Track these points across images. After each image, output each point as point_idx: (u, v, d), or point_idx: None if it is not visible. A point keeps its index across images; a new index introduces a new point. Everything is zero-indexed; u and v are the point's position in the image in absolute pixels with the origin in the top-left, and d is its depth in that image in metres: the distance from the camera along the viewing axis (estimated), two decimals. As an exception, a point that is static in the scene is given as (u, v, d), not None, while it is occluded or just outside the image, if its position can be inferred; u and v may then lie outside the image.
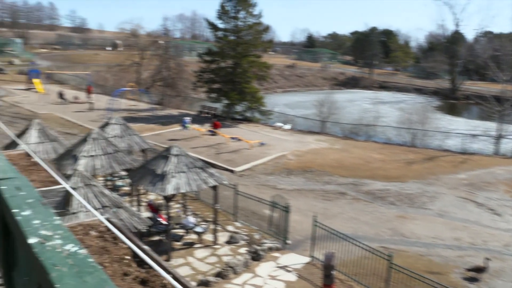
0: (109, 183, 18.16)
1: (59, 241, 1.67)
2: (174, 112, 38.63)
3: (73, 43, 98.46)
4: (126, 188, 18.04)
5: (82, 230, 2.40)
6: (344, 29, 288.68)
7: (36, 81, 44.73)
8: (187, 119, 29.67)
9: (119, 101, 36.15)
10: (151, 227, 12.96)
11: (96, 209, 9.89)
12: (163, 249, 12.74)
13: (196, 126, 30.32)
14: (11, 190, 2.31)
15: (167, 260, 12.33)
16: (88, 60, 71.05)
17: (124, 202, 11.35)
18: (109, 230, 2.36)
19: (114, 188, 17.67)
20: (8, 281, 3.03)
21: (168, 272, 1.84)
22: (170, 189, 11.95)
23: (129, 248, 2.15)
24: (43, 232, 1.76)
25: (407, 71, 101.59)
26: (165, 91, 43.64)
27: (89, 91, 39.95)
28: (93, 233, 2.35)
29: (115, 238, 2.25)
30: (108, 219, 2.50)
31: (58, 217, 1.91)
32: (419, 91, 76.28)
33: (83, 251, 1.58)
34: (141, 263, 1.97)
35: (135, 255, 2.06)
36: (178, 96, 43.24)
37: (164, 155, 13.01)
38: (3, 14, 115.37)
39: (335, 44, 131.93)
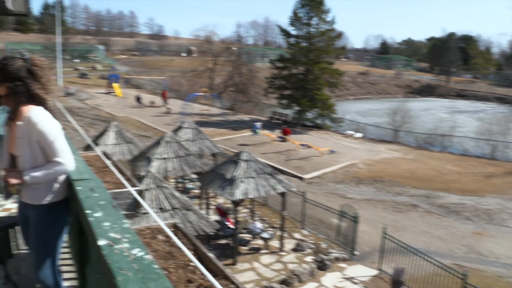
0: (179, 185, 18.61)
1: (126, 245, 1.70)
2: (245, 117, 39.07)
3: (151, 49, 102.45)
4: (196, 191, 18.40)
5: (150, 233, 2.44)
6: (420, 35, 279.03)
7: (115, 85, 46.92)
8: (258, 124, 29.86)
9: (192, 106, 37.11)
10: (219, 230, 13.12)
11: (166, 210, 10.19)
12: (229, 253, 12.86)
13: (266, 132, 30.48)
14: (86, 191, 2.39)
15: (233, 264, 12.42)
16: (164, 66, 73.65)
17: (193, 204, 11.59)
18: (176, 234, 2.38)
19: (185, 191, 18.10)
20: (81, 276, 3.16)
21: (232, 282, 1.81)
22: (238, 194, 12.04)
23: (195, 254, 2.15)
24: (112, 234, 1.80)
25: (487, 79, 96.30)
26: (236, 97, 44.33)
27: (164, 96, 41.38)
28: (160, 237, 2.38)
29: (182, 243, 2.26)
30: (175, 224, 2.53)
31: (126, 220, 1.95)
32: (501, 100, 72.02)
33: (149, 257, 1.59)
34: (206, 271, 1.96)
35: (201, 262, 2.05)
36: (249, 102, 43.75)
37: (234, 160, 13.16)
38: (89, 23, 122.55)
39: (410, 51, 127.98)
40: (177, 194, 11.09)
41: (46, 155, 2.64)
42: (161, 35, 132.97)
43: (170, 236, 2.37)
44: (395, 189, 21.11)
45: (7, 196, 2.82)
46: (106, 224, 1.91)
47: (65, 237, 2.98)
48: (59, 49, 55.43)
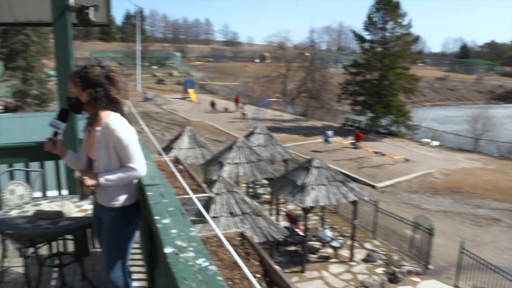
0: (250, 190, 18.76)
1: (192, 254, 1.69)
2: (318, 123, 38.76)
3: (225, 55, 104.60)
4: (267, 196, 18.47)
5: (217, 242, 2.43)
6: (505, 37, 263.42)
7: (190, 91, 48.30)
8: (330, 133, 29.38)
9: (265, 111, 37.39)
10: (288, 237, 13.06)
11: (236, 215, 10.28)
12: (298, 260, 12.76)
13: (338, 138, 30.03)
14: (156, 197, 2.43)
15: (301, 271, 12.31)
16: (237, 72, 74.88)
17: (263, 210, 11.61)
18: (243, 244, 2.36)
19: (255, 196, 18.21)
20: (151, 278, 3.23)
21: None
22: (309, 201, 11.93)
23: (261, 265, 2.11)
24: (179, 242, 1.80)
25: None
26: (309, 103, 44.11)
27: (237, 101, 42.03)
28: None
29: (248, 253, 2.24)
30: (242, 233, 2.51)
31: (193, 228, 1.95)
32: None
33: (213, 268, 1.57)
34: (271, 283, 1.92)
35: (266, 274, 2.01)
36: (322, 108, 43.37)
37: (305, 166, 13.06)
38: (167, 31, 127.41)
39: (493, 54, 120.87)
40: (247, 199, 11.17)
41: (121, 160, 2.73)
42: (235, 42, 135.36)
43: (237, 246, 2.35)
44: (475, 201, 19.98)
45: (82, 197, 2.95)
46: (173, 231, 1.92)
47: (136, 239, 3.06)
48: (139, 56, 57.99)
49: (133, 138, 2.74)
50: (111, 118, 2.71)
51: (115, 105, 2.76)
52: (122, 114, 2.80)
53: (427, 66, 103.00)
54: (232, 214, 10.52)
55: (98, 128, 2.71)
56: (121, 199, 2.80)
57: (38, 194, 4.58)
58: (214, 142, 27.67)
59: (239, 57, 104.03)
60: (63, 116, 2.87)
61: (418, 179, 22.89)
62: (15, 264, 4.60)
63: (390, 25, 35.32)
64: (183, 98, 48.98)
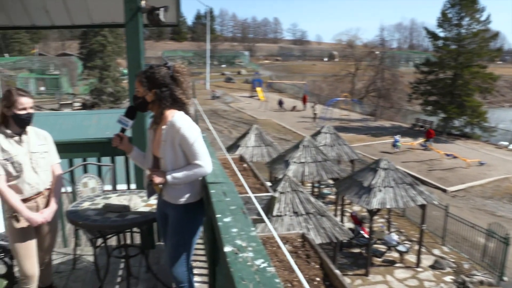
0: (315, 190, 18.61)
1: (251, 254, 1.68)
2: (386, 124, 37.78)
3: (293, 54, 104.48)
4: (332, 197, 18.25)
5: (277, 242, 2.41)
6: None
7: (258, 89, 48.66)
8: (398, 137, 28.24)
9: (332, 111, 36.96)
10: (352, 239, 12.83)
11: (300, 215, 10.23)
12: (362, 263, 12.50)
13: (408, 139, 29.07)
14: (219, 195, 2.45)
15: (365, 274, 12.06)
16: (305, 71, 74.52)
17: (328, 210, 11.48)
18: (304, 245, 2.33)
19: (320, 196, 18.05)
20: (212, 274, 3.28)
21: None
22: (375, 203, 11.66)
23: (321, 268, 2.07)
24: (239, 242, 1.80)
25: None
26: (378, 102, 43.02)
27: (304, 100, 41.84)
28: (287, 247, 2.34)
29: (308, 256, 2.20)
30: (304, 234, 2.48)
31: (254, 228, 1.94)
32: None
33: (272, 269, 1.55)
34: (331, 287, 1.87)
35: (326, 277, 1.97)
36: (391, 108, 42.18)
37: (373, 167, 12.76)
38: (236, 30, 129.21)
39: None
40: (312, 199, 11.08)
41: (187, 158, 2.78)
42: (304, 40, 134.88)
43: (297, 247, 2.32)
44: (557, 210, 18.66)
45: (150, 194, 3.03)
46: (234, 230, 1.92)
47: (199, 235, 3.10)
48: (208, 55, 59.13)
49: (198, 135, 2.78)
50: (176, 116, 2.77)
51: (179, 105, 2.81)
52: (187, 113, 2.85)
53: (507, 64, 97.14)
54: (296, 213, 10.48)
55: (163, 127, 2.77)
56: (186, 196, 2.85)
57: (108, 187, 4.78)
58: (280, 140, 27.71)
59: (307, 55, 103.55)
60: (130, 113, 2.95)
61: (493, 184, 21.69)
62: (86, 252, 4.83)
63: (466, 21, 33.70)
64: (251, 97, 49.45)
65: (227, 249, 1.73)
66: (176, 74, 2.78)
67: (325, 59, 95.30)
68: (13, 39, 66.22)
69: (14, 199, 2.99)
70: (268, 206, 3.14)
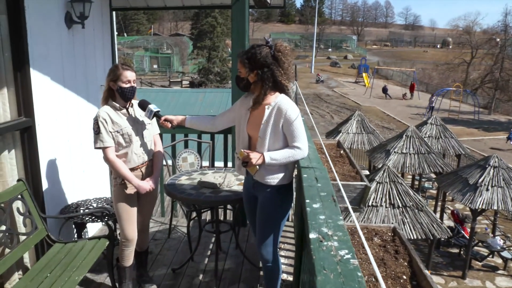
0: (415, 182, 17.84)
1: (336, 244, 1.65)
2: (502, 118, 35.00)
3: (403, 40, 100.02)
4: (433, 191, 17.41)
5: (366, 234, 2.34)
6: None
7: (364, 75, 47.38)
8: (515, 131, 26.16)
9: (441, 101, 35.00)
10: (451, 238, 12.15)
11: (396, 207, 9.88)
12: (459, 264, 11.81)
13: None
14: (310, 180, 2.42)
15: (462, 277, 11.39)
16: (415, 57, 71.08)
17: (427, 206, 10.95)
18: (393, 240, 2.24)
19: (420, 189, 17.27)
20: (298, 258, 3.28)
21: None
22: (480, 203, 10.91)
23: (409, 266, 1.98)
24: (325, 229, 1.77)
25: None
26: (494, 94, 39.89)
27: (412, 89, 40.04)
28: (376, 240, 2.26)
29: (397, 251, 2.11)
30: (394, 228, 2.38)
31: (342, 217, 1.90)
32: None
33: (355, 262, 1.50)
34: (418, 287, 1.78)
35: (413, 276, 1.88)
36: (509, 101, 38.89)
37: (481, 164, 11.91)
38: (345, 14, 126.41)
39: None
40: (411, 192, 10.63)
41: (287, 140, 2.78)
42: (416, 25, 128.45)
43: (387, 241, 2.24)
44: None
45: (240, 172, 3.07)
46: (322, 217, 1.89)
47: (288, 218, 3.11)
48: (315, 38, 58.56)
49: (300, 118, 2.76)
50: (280, 98, 2.76)
51: (280, 86, 2.79)
52: (287, 95, 2.83)
53: None
54: (392, 205, 10.13)
55: (267, 108, 2.77)
56: (279, 178, 2.85)
57: (206, 163, 4.96)
58: (383, 129, 26.87)
59: (419, 41, 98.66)
60: (143, 106, 3.26)
61: None
62: (181, 224, 5.08)
63: None
64: (356, 82, 48.33)
65: (312, 235, 1.71)
66: (278, 53, 2.74)
67: (438, 45, 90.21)
68: (132, 19, 70.78)
69: (124, 168, 3.20)
70: (361, 196, 3.05)
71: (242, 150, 2.84)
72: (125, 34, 58.99)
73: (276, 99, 2.77)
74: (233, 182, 3.62)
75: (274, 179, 2.85)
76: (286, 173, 2.88)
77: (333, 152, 4.01)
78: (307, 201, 2.09)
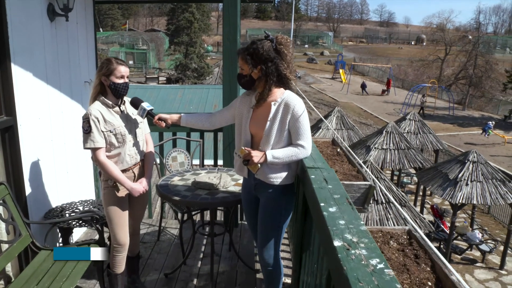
0: (394, 177, 17.96)
1: (364, 252, 1.52)
2: (475, 113, 35.64)
3: (379, 36, 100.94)
4: (411, 186, 17.57)
5: (382, 238, 2.23)
6: None
7: (341, 71, 47.61)
8: (491, 123, 26.69)
9: (417, 97, 35.40)
10: (431, 232, 12.25)
11: (379, 203, 9.88)
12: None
13: (499, 132, 27.25)
14: (319, 181, 2.30)
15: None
16: (390, 54, 71.83)
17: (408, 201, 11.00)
18: (411, 243, 2.13)
19: (399, 184, 17.40)
20: (298, 260, 3.16)
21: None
22: (460, 197, 11.01)
23: (433, 272, 1.87)
24: (348, 236, 1.65)
25: None
26: (468, 90, 40.56)
27: (388, 85, 40.42)
28: (393, 243, 2.15)
29: (417, 256, 2.00)
30: (409, 231, 2.28)
31: (362, 222, 1.78)
32: None
33: (390, 272, 1.38)
34: (448, 296, 1.68)
35: (438, 282, 1.77)
36: (482, 97, 39.58)
37: (460, 159, 12.03)
38: (320, 10, 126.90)
39: None
40: (394, 187, 10.66)
41: (291, 137, 2.66)
42: (391, 22, 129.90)
43: (404, 245, 2.13)
44: None
45: (240, 172, 2.93)
46: (341, 222, 1.77)
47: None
48: (292, 35, 58.57)
49: (306, 115, 2.64)
50: (287, 94, 2.64)
51: (284, 80, 2.66)
52: (290, 89, 2.71)
53: None
54: (376, 201, 10.13)
55: (273, 104, 2.64)
56: (282, 177, 2.72)
57: (196, 161, 4.80)
58: (361, 125, 27.02)
59: (394, 38, 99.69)
60: (135, 104, 3.12)
61: None
62: (171, 225, 4.91)
63: None
64: (333, 78, 48.55)
65: (337, 243, 1.58)
66: (280, 46, 2.62)
67: (413, 42, 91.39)
68: (106, 15, 69.60)
69: (116, 170, 3.01)
70: (366, 196, 2.95)
71: (243, 148, 2.70)
72: (100, 29, 57.93)
73: (283, 95, 2.65)
74: (229, 182, 3.48)
75: (277, 178, 2.72)
76: (289, 172, 2.75)
77: (329, 150, 3.90)
78: (322, 204, 1.97)
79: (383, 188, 10.48)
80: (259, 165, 2.66)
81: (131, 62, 50.33)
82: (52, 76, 3.89)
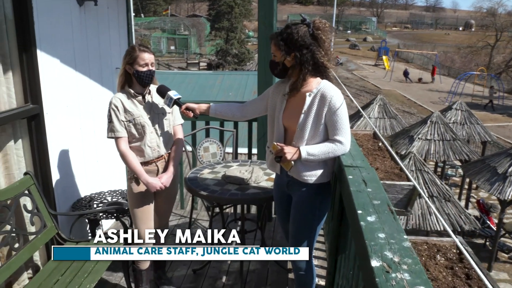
0: (438, 169, 17.31)
1: (407, 276, 1.29)
2: (527, 103, 34.00)
3: (424, 22, 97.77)
4: (455, 179, 16.91)
5: (427, 251, 1.97)
6: None
7: (384, 57, 46.38)
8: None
9: (463, 85, 34.04)
10: (476, 229, 11.71)
11: (422, 197, 9.48)
12: (484, 256, 11.38)
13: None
14: (358, 183, 2.05)
15: (487, 269, 10.97)
16: (437, 40, 69.42)
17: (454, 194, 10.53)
18: (461, 260, 1.87)
19: (443, 177, 16.75)
20: (332, 263, 2.94)
21: None
22: (509, 193, 10.43)
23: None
24: (389, 254, 1.41)
25: None
26: (519, 79, 38.72)
27: (433, 72, 39.10)
28: (439, 258, 1.89)
29: (468, 276, 1.74)
30: (455, 244, 2.01)
31: (406, 236, 1.54)
32: None
33: (440, 306, 1.15)
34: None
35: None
36: (534, 86, 37.74)
37: (510, 153, 11.40)
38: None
39: None
40: (438, 181, 10.21)
41: (328, 132, 2.42)
42: (438, 7, 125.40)
43: (452, 260, 1.87)
44: None
45: (272, 168, 2.73)
46: (381, 235, 1.53)
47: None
48: (334, 20, 57.50)
49: (345, 108, 2.39)
50: (324, 84, 2.39)
51: (321, 69, 2.41)
52: (328, 78, 2.45)
53: None
54: (419, 195, 9.72)
55: (308, 95, 2.39)
56: (317, 175, 2.49)
57: (229, 149, 4.61)
58: (404, 113, 26.23)
59: (440, 24, 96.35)
60: (162, 92, 2.88)
61: None
62: (202, 217, 4.76)
63: None
64: (376, 65, 47.36)
65: (375, 263, 1.35)
66: (317, 31, 2.35)
67: (460, 28, 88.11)
68: (149, 0, 70.24)
69: (135, 161, 2.87)
70: (409, 198, 2.68)
71: (275, 143, 2.48)
72: (142, 15, 58.59)
73: (319, 85, 2.39)
74: (261, 177, 3.27)
75: (312, 176, 2.49)
76: (325, 170, 2.51)
77: (370, 144, 3.63)
78: (359, 212, 1.73)
79: (427, 181, 10.08)
80: (292, 162, 2.44)
81: (172, 47, 50.72)
82: (81, 63, 3.77)
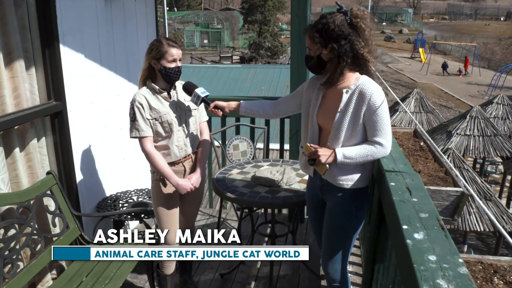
0: (477, 166, 16.68)
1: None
2: None
3: (463, 12, 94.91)
4: (495, 176, 16.26)
5: (482, 272, 1.74)
6: None
7: (421, 50, 45.22)
8: None
9: (505, 78, 32.81)
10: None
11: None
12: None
13: None
14: (401, 192, 1.82)
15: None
16: (476, 31, 67.24)
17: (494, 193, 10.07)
18: (505, 281, 1.63)
19: (483, 174, 16.13)
20: (369, 272, 2.73)
21: None
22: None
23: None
24: (442, 284, 1.19)
25: None
26: None
27: (466, 64, 37.99)
28: (498, 281, 1.65)
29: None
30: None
31: (461, 259, 1.32)
32: None
33: None
34: None
35: None
36: None
37: (557, 150, 10.83)
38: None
39: None
40: (478, 179, 9.76)
41: (367, 133, 2.20)
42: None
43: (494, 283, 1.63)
44: None
45: (305, 170, 2.53)
46: (432, 258, 1.31)
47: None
48: (369, 12, 56.37)
49: (386, 107, 2.15)
50: (363, 80, 2.17)
51: (361, 62, 2.17)
52: (370, 76, 2.22)
53: None
54: (469, 198, 9.31)
55: (345, 92, 2.18)
56: (354, 180, 2.27)
57: (260, 145, 4.43)
58: (441, 107, 25.47)
59: (480, 14, 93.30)
60: (188, 89, 2.72)
61: None
62: (231, 217, 4.60)
63: None
64: (412, 58, 46.23)
65: (425, 292, 1.15)
66: (356, 19, 2.12)
67: (502, 18, 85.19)
68: (183, -5, 70.63)
69: (162, 162, 2.71)
70: (457, 205, 2.43)
71: (309, 145, 2.27)
72: (175, 9, 58.98)
73: (358, 81, 2.16)
74: (293, 178, 3.07)
75: (348, 181, 2.27)
76: (363, 174, 2.29)
77: (411, 144, 3.36)
78: (404, 227, 1.51)
79: (466, 178, 9.66)
80: (327, 165, 2.22)
81: (205, 41, 50.84)
82: (107, 58, 3.64)
